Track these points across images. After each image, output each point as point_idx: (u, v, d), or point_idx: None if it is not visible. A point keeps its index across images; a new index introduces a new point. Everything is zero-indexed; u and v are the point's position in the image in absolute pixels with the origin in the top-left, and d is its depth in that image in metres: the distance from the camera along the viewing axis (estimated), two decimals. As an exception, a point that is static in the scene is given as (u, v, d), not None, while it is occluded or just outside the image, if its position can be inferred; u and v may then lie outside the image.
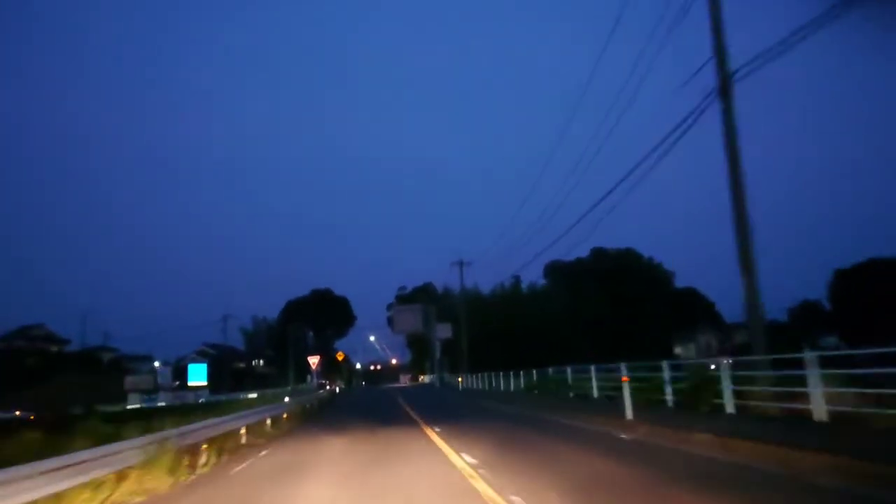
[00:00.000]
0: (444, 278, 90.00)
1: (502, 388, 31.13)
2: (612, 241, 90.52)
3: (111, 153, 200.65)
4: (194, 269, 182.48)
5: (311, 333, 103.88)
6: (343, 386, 74.33)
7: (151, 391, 64.83)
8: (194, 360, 78.73)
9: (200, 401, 48.61)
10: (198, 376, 70.55)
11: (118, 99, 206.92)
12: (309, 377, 54.53)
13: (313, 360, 34.23)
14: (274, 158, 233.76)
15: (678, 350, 73.36)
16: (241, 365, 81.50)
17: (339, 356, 53.63)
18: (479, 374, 38.57)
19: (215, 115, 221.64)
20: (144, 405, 49.12)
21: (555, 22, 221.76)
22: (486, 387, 35.21)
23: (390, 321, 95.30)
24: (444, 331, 48.55)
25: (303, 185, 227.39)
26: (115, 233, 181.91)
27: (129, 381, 64.86)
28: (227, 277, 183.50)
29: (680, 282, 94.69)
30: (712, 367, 14.48)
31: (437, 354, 48.72)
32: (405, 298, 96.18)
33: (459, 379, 36.12)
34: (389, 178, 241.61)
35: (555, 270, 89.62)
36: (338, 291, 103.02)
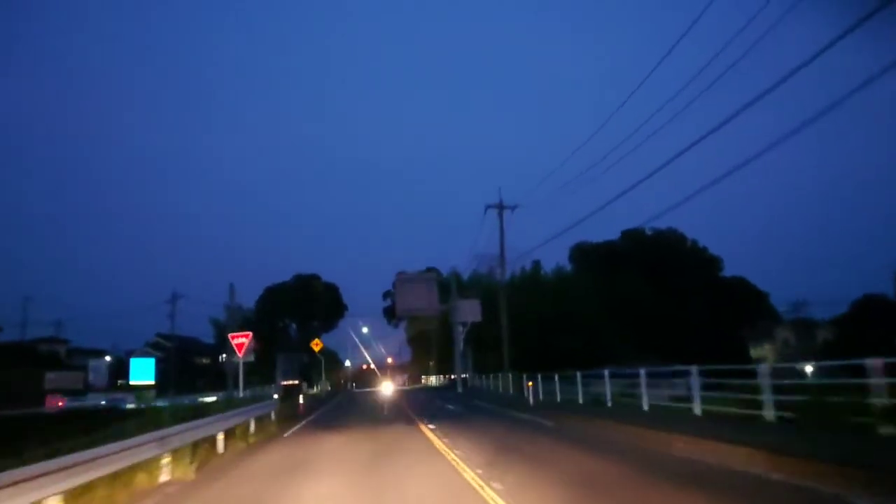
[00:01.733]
0: (449, 262, 74.71)
1: (608, 397, 16.19)
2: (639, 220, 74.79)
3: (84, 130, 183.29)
4: (162, 252, 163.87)
5: (293, 325, 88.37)
6: (324, 390, 58.54)
7: (80, 392, 50.26)
8: (145, 354, 63.13)
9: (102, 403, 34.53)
10: (143, 373, 55.14)
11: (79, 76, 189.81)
12: (231, 381, 39.21)
13: (239, 341, 18.10)
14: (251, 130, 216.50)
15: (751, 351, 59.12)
16: (206, 360, 65.83)
17: (316, 345, 37.46)
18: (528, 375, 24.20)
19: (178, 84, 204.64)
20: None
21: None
22: (565, 397, 20.17)
23: (391, 302, 80.00)
24: (470, 311, 33.62)
25: (287, 164, 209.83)
26: (78, 216, 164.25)
27: (50, 379, 49.46)
28: (201, 262, 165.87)
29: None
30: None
31: (460, 346, 33.90)
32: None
33: (529, 384, 20.36)
34: (387, 157, 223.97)
35: (582, 254, 75.21)
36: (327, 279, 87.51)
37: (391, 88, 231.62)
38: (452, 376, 43.01)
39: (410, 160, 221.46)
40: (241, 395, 22.97)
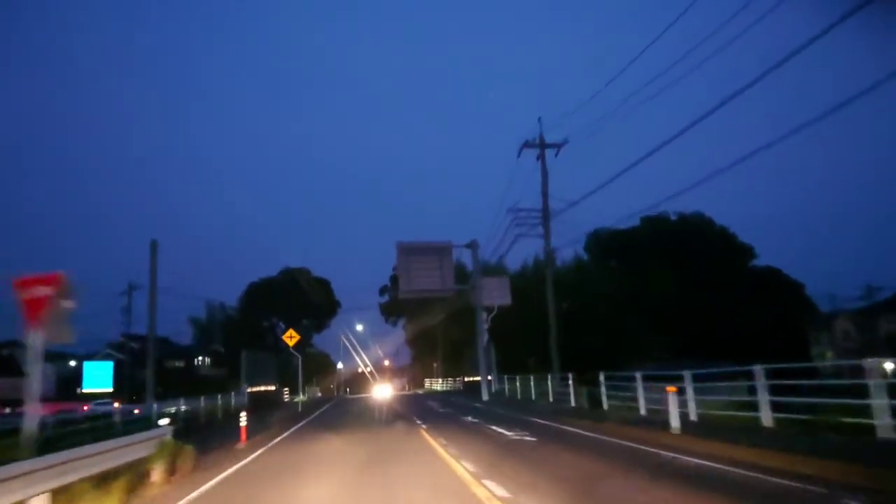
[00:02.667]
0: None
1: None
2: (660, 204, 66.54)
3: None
4: (139, 247, 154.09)
5: (281, 324, 79.49)
6: (313, 397, 49.79)
7: (9, 402, 41.74)
8: (107, 357, 54.24)
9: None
10: (98, 380, 46.20)
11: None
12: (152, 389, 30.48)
13: (33, 294, 9.26)
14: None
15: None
16: (179, 364, 56.95)
17: (290, 338, 27.40)
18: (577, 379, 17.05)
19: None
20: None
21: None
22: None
23: (389, 298, 71.21)
24: (497, 291, 25.00)
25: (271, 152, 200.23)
26: (53, 207, 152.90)
27: (-2, 387, 40.82)
28: (180, 256, 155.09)
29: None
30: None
31: (484, 339, 25.27)
32: (403, 279, 72.64)
33: (670, 389, 11.61)
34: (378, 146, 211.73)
35: (599, 242, 66.57)
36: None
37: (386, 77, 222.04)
38: (467, 379, 34.41)
39: (412, 144, 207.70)
40: (153, 407, 14.42)
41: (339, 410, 25.27)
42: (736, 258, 65.48)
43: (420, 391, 52.20)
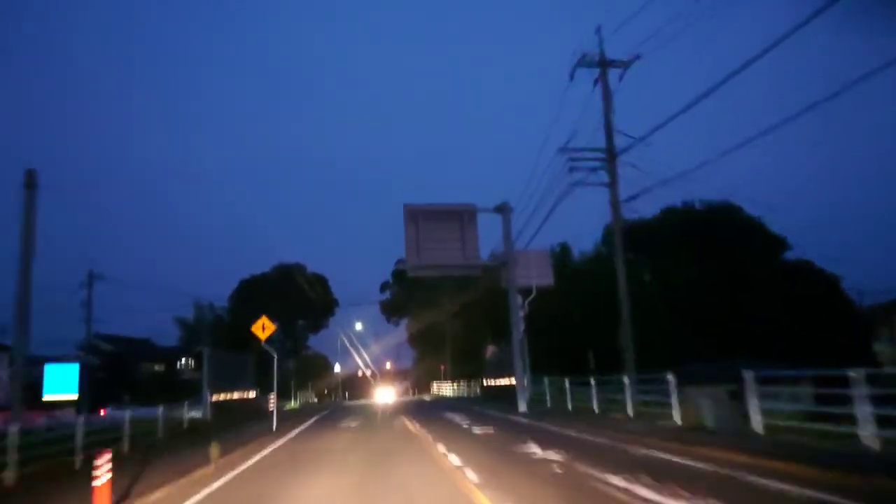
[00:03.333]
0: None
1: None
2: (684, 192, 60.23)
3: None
4: (129, 244, 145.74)
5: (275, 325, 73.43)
6: (306, 404, 43.65)
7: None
8: (77, 359, 47.83)
9: None
10: (61, 385, 39.83)
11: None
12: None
13: None
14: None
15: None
16: (159, 367, 50.69)
17: (263, 328, 19.87)
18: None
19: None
20: None
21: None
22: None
23: (390, 295, 65.25)
24: (536, 268, 18.58)
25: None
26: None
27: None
28: (166, 252, 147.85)
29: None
30: None
31: (520, 330, 18.85)
32: (403, 275, 66.28)
33: None
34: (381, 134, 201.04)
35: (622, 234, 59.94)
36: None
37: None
38: (489, 382, 28.22)
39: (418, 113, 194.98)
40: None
41: (328, 427, 19.00)
42: (768, 250, 59.07)
43: (426, 397, 45.81)
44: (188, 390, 41.79)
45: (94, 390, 43.72)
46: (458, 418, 18.71)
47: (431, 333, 53.36)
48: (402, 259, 69.50)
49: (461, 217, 18.31)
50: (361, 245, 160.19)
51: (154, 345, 54.66)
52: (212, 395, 21.58)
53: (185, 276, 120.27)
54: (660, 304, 45.27)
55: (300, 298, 68.72)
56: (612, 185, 16.08)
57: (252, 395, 27.24)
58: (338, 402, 50.74)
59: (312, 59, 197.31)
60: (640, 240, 58.23)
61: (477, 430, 14.19)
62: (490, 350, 44.26)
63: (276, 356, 18.16)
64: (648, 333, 42.34)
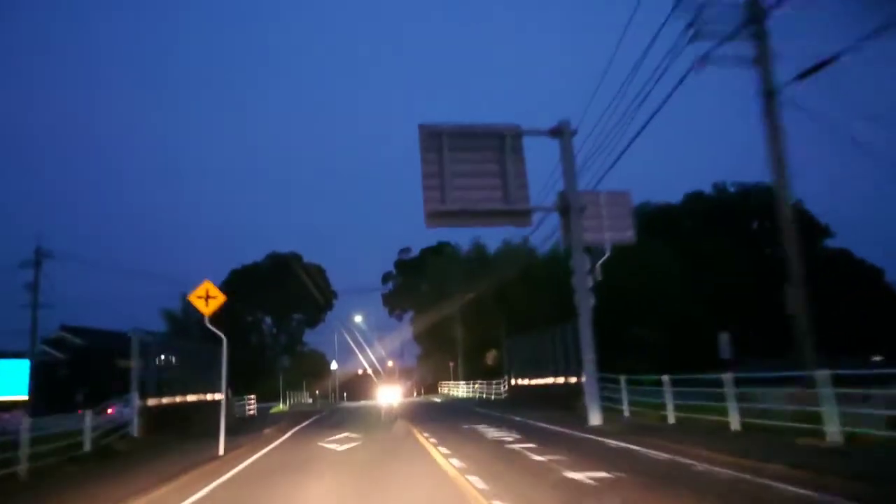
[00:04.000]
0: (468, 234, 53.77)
1: None
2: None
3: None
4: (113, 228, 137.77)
5: (268, 319, 67.36)
6: (297, 406, 37.73)
7: None
8: (41, 355, 41.98)
9: None
10: (9, 384, 34.03)
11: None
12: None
13: None
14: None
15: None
16: (130, 363, 44.17)
17: (204, 298, 12.13)
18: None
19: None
20: None
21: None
22: None
23: (392, 286, 59.64)
24: (612, 217, 12.66)
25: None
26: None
27: None
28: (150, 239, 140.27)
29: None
30: None
31: (589, 301, 13.12)
32: (408, 266, 60.36)
33: None
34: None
35: (644, 221, 54.55)
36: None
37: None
38: (523, 381, 22.15)
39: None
40: None
41: (309, 446, 12.87)
42: (807, 237, 52.75)
43: (436, 398, 39.79)
44: (168, 387, 35.87)
45: (53, 390, 37.88)
46: (497, 433, 12.77)
47: (439, 327, 47.34)
48: (406, 247, 63.61)
49: (501, 142, 12.27)
50: (362, 233, 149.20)
51: (126, 338, 48.68)
52: (156, 398, 15.74)
53: (173, 264, 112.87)
54: (688, 296, 40.02)
55: (296, 290, 62.91)
56: (763, 59, 9.95)
57: (216, 396, 21.30)
58: (334, 405, 44.78)
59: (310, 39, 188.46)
60: (664, 225, 52.23)
61: (561, 465, 8.13)
62: (491, 356, 38.44)
63: (225, 340, 12.17)
64: (680, 328, 36.60)
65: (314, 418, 23.80)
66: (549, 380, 18.65)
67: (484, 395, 28.60)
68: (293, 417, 24.29)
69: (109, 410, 26.92)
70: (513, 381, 23.80)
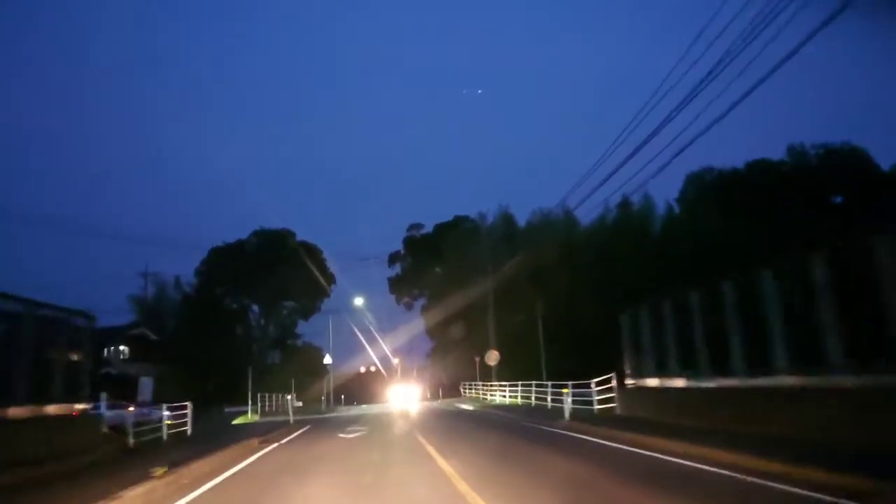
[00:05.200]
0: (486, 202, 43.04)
1: None
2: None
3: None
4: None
5: (255, 307, 57.03)
6: (270, 414, 27.23)
7: None
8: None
9: None
10: None
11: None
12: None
13: None
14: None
15: None
16: (74, 356, 33.98)
17: None
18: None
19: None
20: None
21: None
22: None
23: (402, 269, 51.22)
24: None
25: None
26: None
27: None
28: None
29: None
30: None
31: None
32: (420, 244, 50.15)
33: None
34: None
35: (705, 189, 45.37)
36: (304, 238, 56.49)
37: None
38: (661, 381, 11.65)
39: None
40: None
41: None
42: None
43: (463, 404, 29.33)
44: (111, 389, 25.72)
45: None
46: None
47: (460, 316, 37.24)
48: (417, 223, 53.34)
49: None
50: (363, 209, 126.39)
51: (75, 325, 38.36)
52: None
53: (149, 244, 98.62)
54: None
55: (287, 274, 52.78)
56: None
57: (71, 408, 11.26)
58: (328, 409, 34.67)
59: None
60: (730, 195, 42.47)
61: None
62: (494, 355, 29.02)
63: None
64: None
65: (291, 437, 13.67)
66: (769, 380, 8.55)
67: (549, 404, 18.26)
68: (251, 432, 14.16)
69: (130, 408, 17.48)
70: (632, 382, 13.47)
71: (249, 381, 25.59)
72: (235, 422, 23.18)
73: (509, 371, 29.31)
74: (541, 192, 72.97)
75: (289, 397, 29.44)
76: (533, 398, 21.42)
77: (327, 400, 40.82)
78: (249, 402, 27.94)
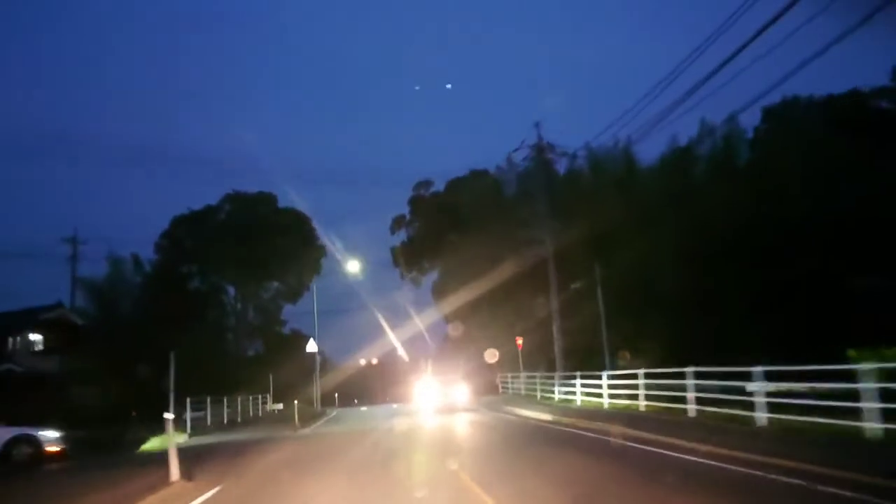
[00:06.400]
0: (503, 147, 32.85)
1: None
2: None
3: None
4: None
5: (231, 289, 46.76)
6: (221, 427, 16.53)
7: None
8: None
9: None
10: None
11: None
12: None
13: None
14: None
15: None
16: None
17: None
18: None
19: None
20: None
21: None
22: None
23: (407, 237, 41.13)
24: None
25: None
26: None
27: None
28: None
29: None
30: None
31: None
32: (430, 205, 40.08)
33: None
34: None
35: (789, 120, 33.66)
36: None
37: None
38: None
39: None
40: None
41: None
42: None
43: (524, 410, 18.80)
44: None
45: None
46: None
47: (495, 292, 27.41)
48: (423, 180, 43.39)
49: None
50: (359, 166, 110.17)
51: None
52: None
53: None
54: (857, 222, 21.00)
55: (268, 247, 42.73)
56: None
57: None
58: (314, 414, 24.98)
59: None
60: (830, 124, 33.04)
61: None
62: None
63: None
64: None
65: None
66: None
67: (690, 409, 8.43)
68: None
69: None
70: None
71: (171, 380, 14.14)
72: (144, 448, 13.13)
73: (591, 360, 19.53)
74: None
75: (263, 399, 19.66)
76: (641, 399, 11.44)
77: (315, 400, 31.02)
78: (170, 415, 14.88)
